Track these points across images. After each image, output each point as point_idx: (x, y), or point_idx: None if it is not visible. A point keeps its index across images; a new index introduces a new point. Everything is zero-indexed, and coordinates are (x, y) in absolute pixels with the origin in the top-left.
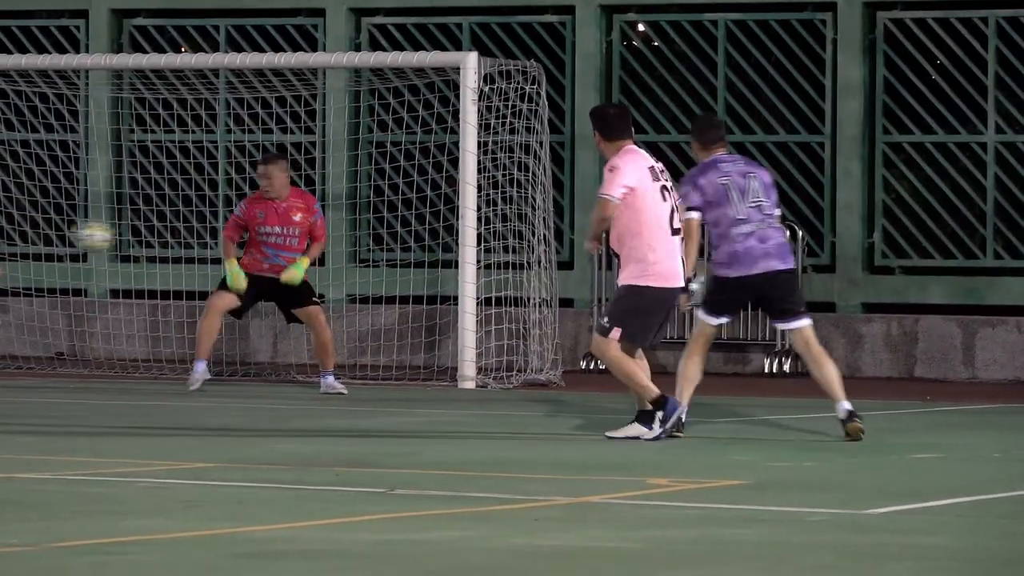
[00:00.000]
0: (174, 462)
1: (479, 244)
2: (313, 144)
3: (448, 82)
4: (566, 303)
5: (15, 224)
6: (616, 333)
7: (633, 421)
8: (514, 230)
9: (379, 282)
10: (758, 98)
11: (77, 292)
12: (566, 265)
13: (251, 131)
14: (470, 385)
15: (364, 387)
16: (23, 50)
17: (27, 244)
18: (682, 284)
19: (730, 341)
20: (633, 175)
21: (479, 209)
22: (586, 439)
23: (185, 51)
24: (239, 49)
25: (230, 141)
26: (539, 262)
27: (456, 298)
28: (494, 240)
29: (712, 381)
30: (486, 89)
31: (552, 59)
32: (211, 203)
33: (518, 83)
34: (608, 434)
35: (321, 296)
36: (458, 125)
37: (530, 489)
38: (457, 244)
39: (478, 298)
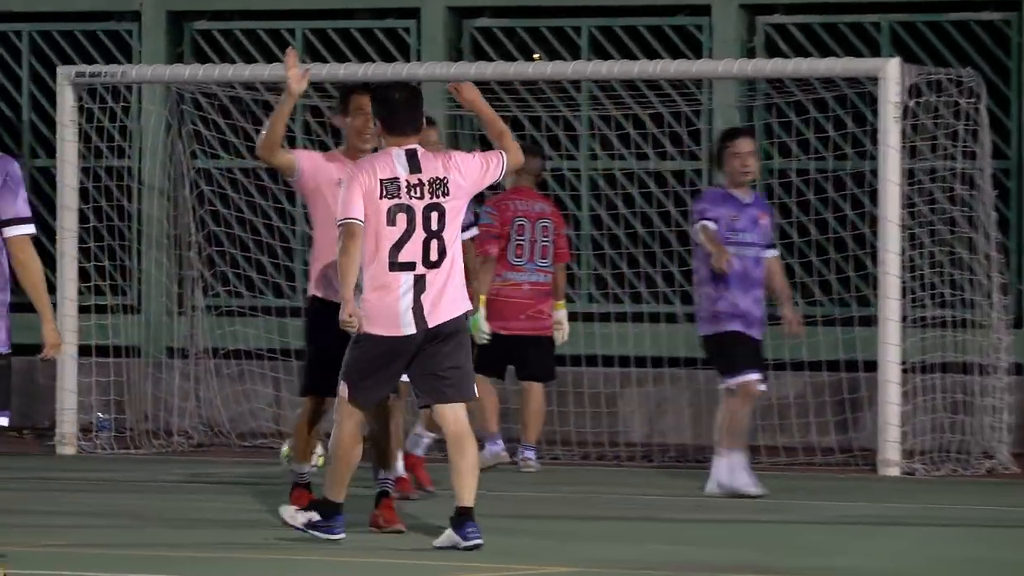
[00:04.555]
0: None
1: (904, 296)
2: (699, 173)
3: (864, 95)
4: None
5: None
6: (343, 387)
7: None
8: (949, 279)
9: (779, 344)
10: None
11: None
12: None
13: (621, 156)
14: (894, 472)
15: (766, 473)
16: (341, 59)
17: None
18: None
19: None
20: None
21: (903, 253)
22: None
23: (539, 58)
24: (606, 55)
25: (595, 169)
26: (982, 318)
27: (876, 363)
28: (923, 291)
29: None
30: (911, 104)
31: (994, 66)
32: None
33: (951, 96)
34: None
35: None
36: (876, 149)
37: None
38: (877, 296)
39: (904, 364)
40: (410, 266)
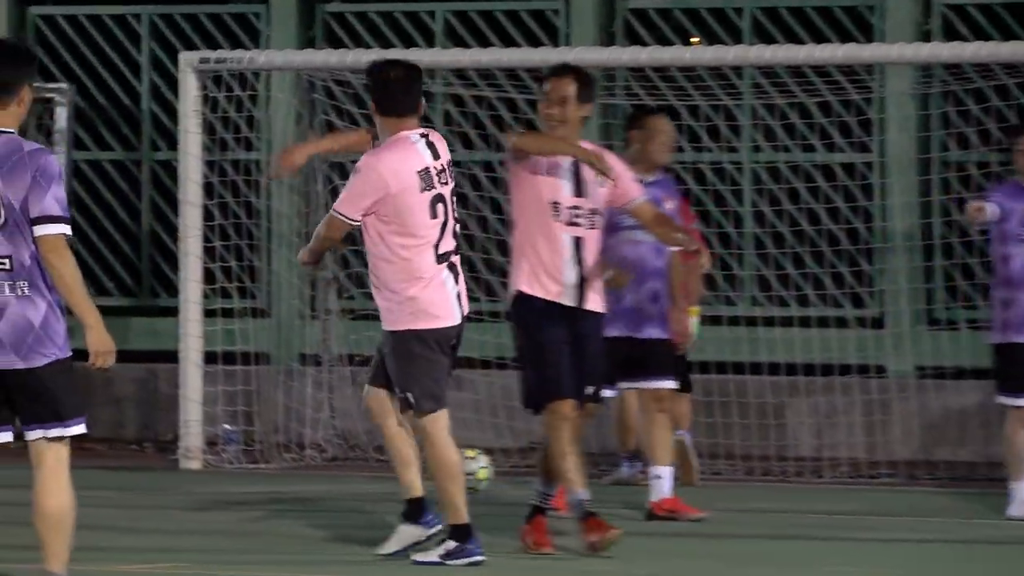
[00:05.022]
0: None
1: None
2: (870, 166)
3: None
4: None
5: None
6: (411, 403)
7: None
8: None
9: (960, 349)
10: None
11: None
12: None
13: (786, 148)
14: None
15: (945, 490)
16: (485, 43)
17: None
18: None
19: None
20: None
21: None
22: None
23: (698, 42)
24: (769, 39)
25: (758, 162)
26: None
27: None
28: None
29: None
30: None
31: None
32: (736, 240)
33: None
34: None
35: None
36: None
37: None
38: None
39: None
40: (447, 256)
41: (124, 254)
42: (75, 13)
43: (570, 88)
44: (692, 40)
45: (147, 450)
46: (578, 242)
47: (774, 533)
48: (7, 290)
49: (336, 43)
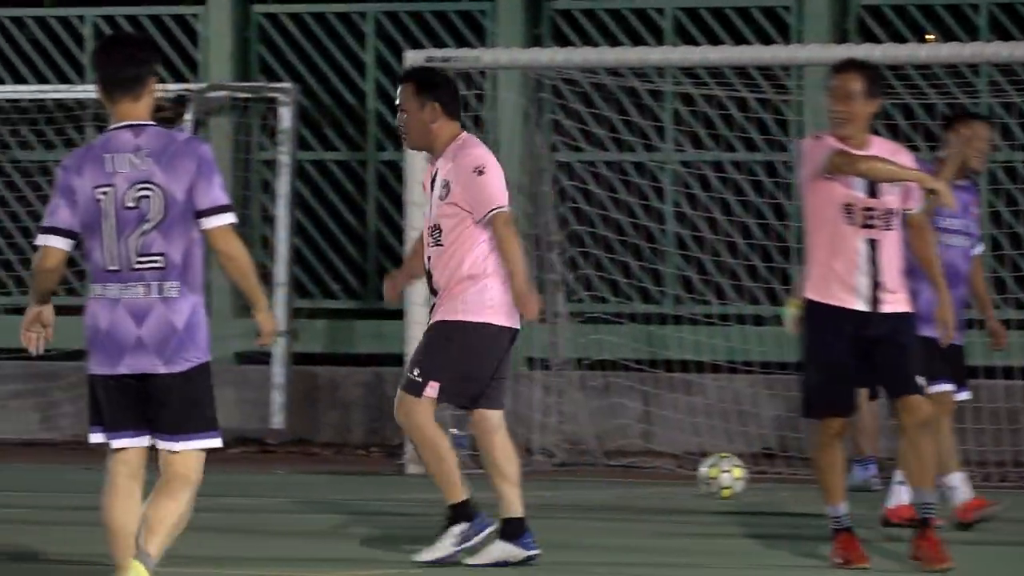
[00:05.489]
0: None
1: None
2: None
3: None
4: None
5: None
6: (432, 388)
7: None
8: None
9: None
10: None
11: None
12: None
13: (1023, 147)
14: None
15: None
16: (714, 40)
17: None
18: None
19: None
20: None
21: None
22: None
23: (933, 39)
24: (1006, 35)
25: (994, 161)
26: None
27: None
28: None
29: None
30: None
31: None
32: None
33: None
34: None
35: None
36: None
37: None
38: None
39: None
40: None
41: (349, 256)
42: (299, 11)
43: (855, 84)
44: (927, 37)
45: (374, 455)
46: (873, 244)
47: (1009, 540)
48: (155, 291)
49: (563, 41)
